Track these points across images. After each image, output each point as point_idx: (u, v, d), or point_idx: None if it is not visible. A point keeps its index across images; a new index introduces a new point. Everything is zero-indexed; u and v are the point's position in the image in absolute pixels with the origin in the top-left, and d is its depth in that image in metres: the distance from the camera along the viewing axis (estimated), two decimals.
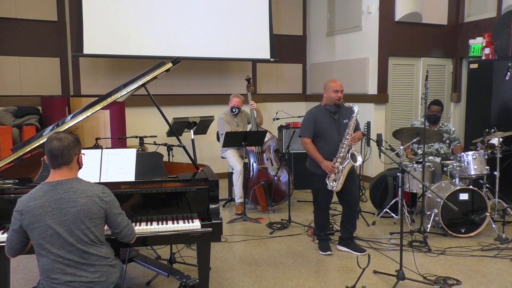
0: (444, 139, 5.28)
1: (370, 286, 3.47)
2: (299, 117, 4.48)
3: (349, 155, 3.91)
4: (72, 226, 2.22)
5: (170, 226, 2.83)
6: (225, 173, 6.04)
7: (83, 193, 2.28)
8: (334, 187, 3.97)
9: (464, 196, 4.49)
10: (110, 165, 2.94)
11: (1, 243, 2.56)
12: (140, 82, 3.09)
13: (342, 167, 3.94)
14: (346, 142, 3.94)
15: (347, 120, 4.02)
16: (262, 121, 5.80)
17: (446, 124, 5.44)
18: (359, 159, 3.92)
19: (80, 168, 2.43)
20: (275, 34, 7.27)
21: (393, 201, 5.01)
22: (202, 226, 2.85)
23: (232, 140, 5.18)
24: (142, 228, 2.78)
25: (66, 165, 2.31)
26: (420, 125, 5.07)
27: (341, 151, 3.95)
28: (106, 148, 3.36)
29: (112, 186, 2.73)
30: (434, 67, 7.14)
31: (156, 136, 4.41)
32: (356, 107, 4.00)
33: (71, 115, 3.00)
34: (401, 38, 6.83)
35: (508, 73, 5.13)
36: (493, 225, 4.60)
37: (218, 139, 5.91)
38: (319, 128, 4.07)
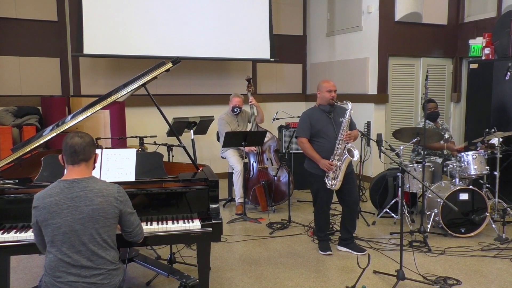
0: (447, 137, 5.30)
1: (370, 286, 3.47)
2: (299, 117, 4.51)
3: (346, 151, 3.92)
4: (86, 225, 2.24)
5: (170, 226, 2.82)
6: (225, 173, 6.04)
7: (99, 192, 2.30)
8: (333, 185, 3.97)
9: (464, 196, 4.49)
10: (110, 165, 2.95)
11: (0, 243, 2.57)
12: (140, 82, 3.08)
13: (340, 163, 3.94)
14: (342, 139, 3.95)
15: (342, 118, 4.03)
16: (263, 118, 5.78)
17: (443, 122, 5.49)
18: (356, 154, 3.92)
19: (94, 169, 2.47)
20: (275, 34, 7.27)
21: (393, 201, 5.01)
22: (202, 226, 2.85)
23: (232, 140, 5.18)
24: None
25: (86, 161, 2.35)
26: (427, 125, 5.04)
27: (337, 148, 3.96)
28: (106, 148, 3.36)
29: None
30: (434, 67, 7.14)
31: (156, 136, 4.41)
32: (349, 104, 4.01)
33: (71, 115, 3.00)
34: (401, 38, 6.83)
35: (508, 73, 5.13)
36: (493, 225, 4.60)
37: (218, 139, 5.91)
38: (315, 127, 4.08)
